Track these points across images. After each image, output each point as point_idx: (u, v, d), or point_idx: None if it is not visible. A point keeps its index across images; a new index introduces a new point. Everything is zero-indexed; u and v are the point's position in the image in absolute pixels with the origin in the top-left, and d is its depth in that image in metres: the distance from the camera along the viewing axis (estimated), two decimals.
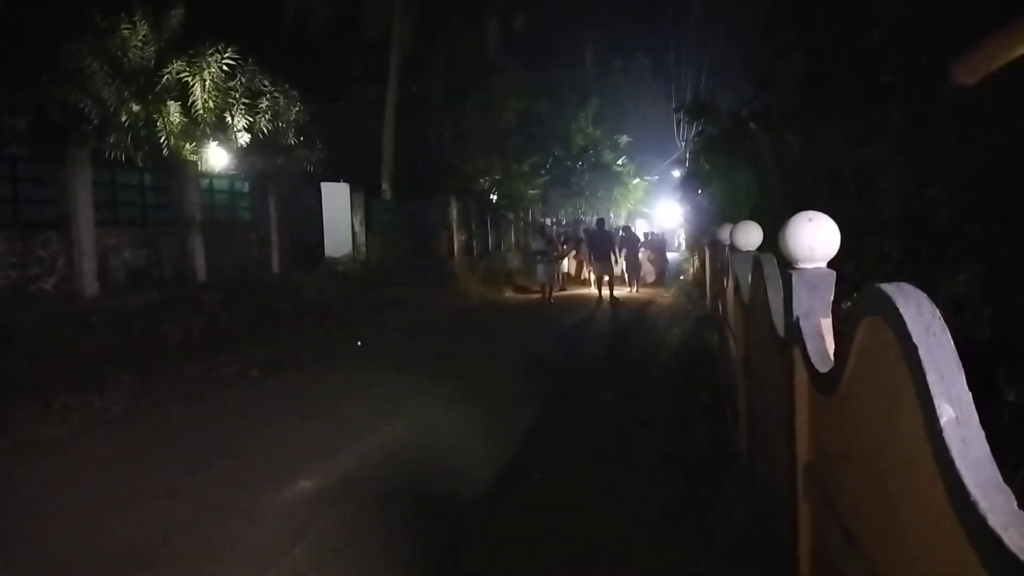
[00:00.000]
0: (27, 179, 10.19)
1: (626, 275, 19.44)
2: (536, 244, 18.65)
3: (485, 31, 23.09)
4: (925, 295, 1.34)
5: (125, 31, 12.23)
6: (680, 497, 4.57)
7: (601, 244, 17.63)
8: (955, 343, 1.26)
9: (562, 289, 19.67)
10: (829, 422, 2.10)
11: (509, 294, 19.46)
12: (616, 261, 18.35)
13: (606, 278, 17.24)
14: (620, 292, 17.99)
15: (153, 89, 12.57)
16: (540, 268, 17.47)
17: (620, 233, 21.64)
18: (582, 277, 21.16)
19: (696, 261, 17.65)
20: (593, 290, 18.44)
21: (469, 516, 4.63)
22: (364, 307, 13.98)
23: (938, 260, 5.59)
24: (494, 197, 23.84)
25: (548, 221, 28.27)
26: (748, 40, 10.88)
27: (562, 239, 21.90)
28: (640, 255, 20.56)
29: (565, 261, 20.85)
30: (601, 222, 19.61)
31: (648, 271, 21.00)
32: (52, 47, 11.82)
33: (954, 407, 1.17)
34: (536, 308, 16.20)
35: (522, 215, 26.36)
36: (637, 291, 19.07)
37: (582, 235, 22.51)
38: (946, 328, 1.27)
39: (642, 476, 5.13)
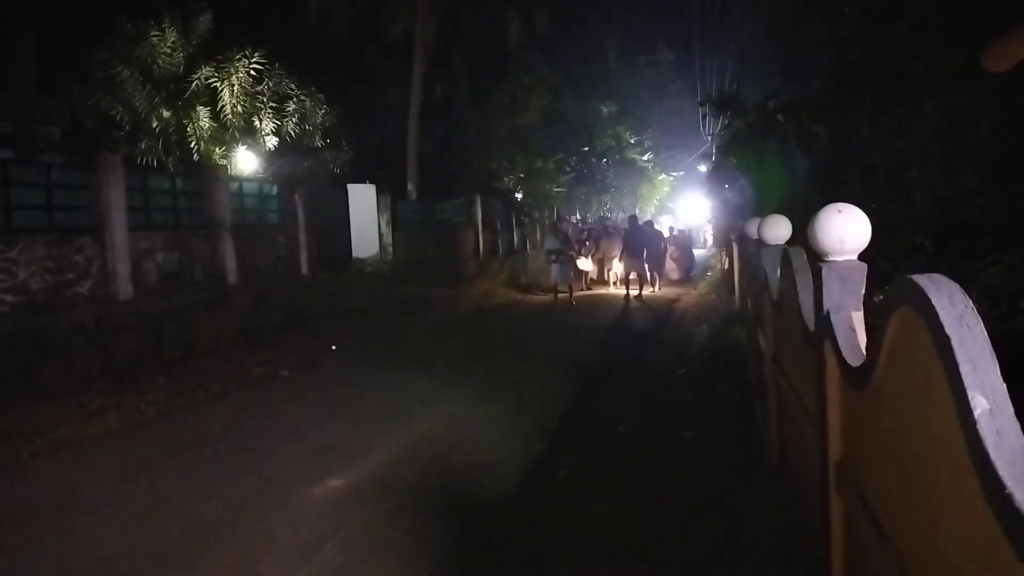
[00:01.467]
0: (61, 185, 10.42)
1: (648, 273, 18.41)
2: (550, 243, 17.43)
3: (508, 30, 23.09)
4: (958, 285, 1.32)
5: (154, 38, 12.45)
6: (710, 495, 4.54)
7: (636, 241, 17.25)
8: (989, 335, 1.24)
9: (587, 289, 18.97)
10: (861, 416, 2.08)
11: (534, 294, 18.91)
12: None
13: (633, 275, 17.04)
14: (644, 291, 17.57)
15: (183, 95, 12.79)
16: (554, 268, 16.32)
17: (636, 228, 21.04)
18: (605, 277, 20.25)
19: (724, 256, 17.47)
20: (615, 290, 18.21)
21: (499, 513, 4.64)
22: (391, 307, 14.06)
23: (972, 251, 5.49)
24: (519, 196, 23.81)
25: (573, 218, 28.14)
26: (774, 31, 10.74)
27: (584, 236, 21.05)
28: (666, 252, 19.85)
29: (587, 260, 19.76)
30: (634, 219, 19.23)
31: (672, 268, 20.27)
32: (84, 55, 12.09)
33: (988, 398, 1.15)
34: (564, 308, 15.62)
35: (547, 213, 26.30)
36: (659, 289, 18.34)
37: (610, 231, 21.99)
38: (979, 319, 1.25)
39: (671, 473, 5.10)
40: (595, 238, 21.01)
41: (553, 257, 16.41)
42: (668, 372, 8.48)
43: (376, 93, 21.03)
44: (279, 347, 10.27)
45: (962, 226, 5.90)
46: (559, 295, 15.94)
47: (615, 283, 19.07)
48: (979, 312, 1.28)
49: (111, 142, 11.84)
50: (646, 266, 17.59)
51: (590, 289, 19.25)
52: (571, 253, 17.10)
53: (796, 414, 3.34)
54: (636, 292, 16.98)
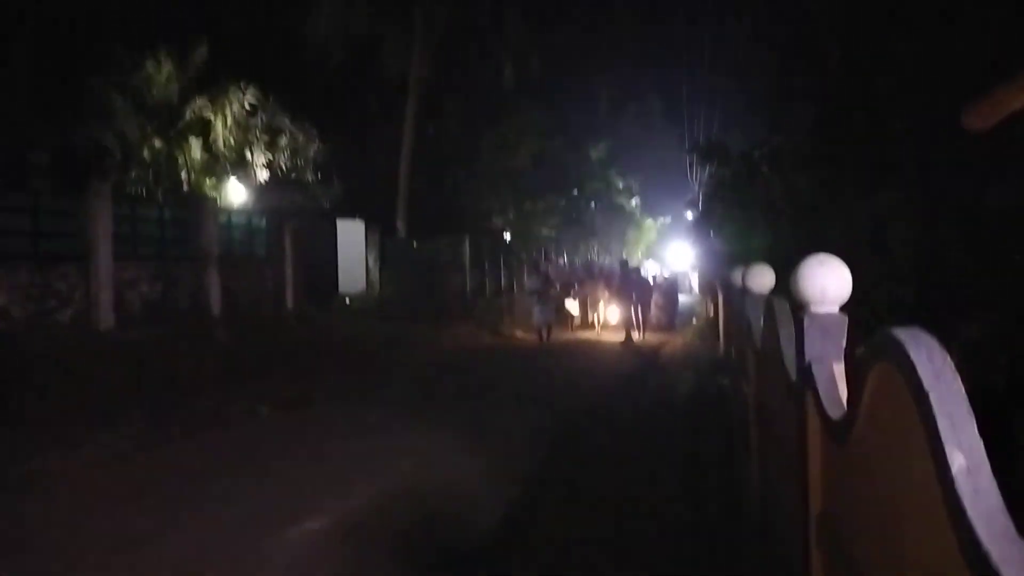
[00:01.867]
0: (48, 212, 10.38)
1: (634, 319, 17.85)
2: (531, 283, 17.03)
3: (501, 73, 23.49)
4: (936, 341, 1.33)
5: (150, 68, 12.55)
6: (692, 546, 4.49)
7: (627, 288, 16.99)
8: (970, 390, 1.24)
9: (571, 332, 18.48)
10: (842, 469, 2.07)
11: (520, 336, 18.42)
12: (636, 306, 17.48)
13: (614, 319, 16.97)
14: (621, 337, 17.08)
15: (176, 125, 12.86)
16: (536, 310, 15.89)
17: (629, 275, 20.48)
18: (589, 320, 19.52)
19: (709, 304, 17.53)
20: (598, 335, 18.06)
21: (473, 562, 4.56)
22: (376, 345, 13.97)
23: (952, 306, 5.55)
24: (508, 236, 23.94)
25: (560, 260, 28.25)
26: (760, 83, 10.99)
27: (571, 279, 20.81)
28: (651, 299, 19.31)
29: (574, 303, 19.29)
30: (625, 264, 19.12)
31: (656, 314, 19.69)
32: (77, 83, 12.15)
33: (966, 455, 1.15)
34: (549, 351, 15.35)
35: (534, 254, 26.43)
36: (643, 336, 17.46)
37: (595, 275, 21.64)
38: (957, 375, 1.26)
39: (650, 523, 5.04)
40: (580, 280, 20.74)
41: (536, 298, 16.19)
42: (651, 419, 8.44)
43: (369, 130, 21.22)
44: (260, 383, 10.15)
45: (943, 280, 5.98)
46: (543, 336, 15.67)
47: (599, 327, 18.89)
48: (959, 368, 1.29)
49: (101, 170, 11.83)
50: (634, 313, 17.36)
51: (573, 332, 18.79)
52: (552, 293, 16.80)
53: (778, 464, 3.32)
54: (622, 338, 16.78)
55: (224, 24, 15.86)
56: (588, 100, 30.50)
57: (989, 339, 4.91)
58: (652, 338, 17.52)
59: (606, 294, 18.98)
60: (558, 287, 18.87)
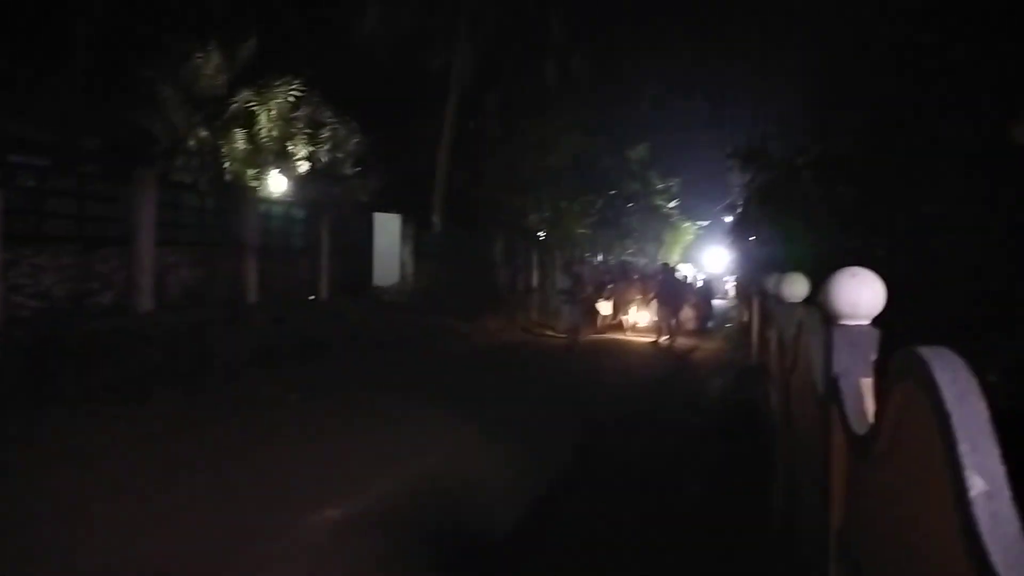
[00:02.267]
0: (94, 196, 10.66)
1: (669, 323, 17.36)
2: (562, 282, 16.93)
3: (543, 70, 23.42)
4: (963, 362, 1.30)
5: (199, 60, 12.77)
6: (714, 554, 4.45)
7: (669, 291, 16.83)
8: (1009, 411, 1.21)
9: (601, 333, 18.39)
10: (863, 486, 2.03)
11: (549, 334, 18.25)
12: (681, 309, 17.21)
13: (644, 322, 16.91)
14: (651, 339, 16.91)
15: (222, 116, 13.06)
16: (565, 310, 15.74)
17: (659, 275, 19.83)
18: (619, 321, 19.31)
19: (744, 309, 17.32)
20: (629, 336, 17.96)
21: (497, 556, 4.57)
22: (408, 338, 14.08)
23: (997, 323, 5.41)
24: (542, 235, 23.91)
25: (595, 259, 28.14)
26: (807, 88, 10.80)
27: (604, 279, 20.70)
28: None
29: (607, 304, 19.07)
30: (667, 267, 18.93)
31: (689, 317, 19.26)
32: (129, 71, 12.42)
33: (986, 480, 1.12)
34: (577, 351, 15.02)
35: (568, 253, 26.36)
36: (675, 340, 16.86)
37: (628, 276, 21.42)
38: (982, 397, 1.23)
39: (674, 529, 5.00)
40: (613, 281, 20.56)
41: (564, 298, 15.96)
42: (677, 423, 8.37)
43: (409, 124, 21.34)
44: (294, 370, 10.31)
45: (986, 296, 5.82)
46: (571, 337, 15.39)
47: (629, 328, 18.70)
48: (996, 387, 1.26)
49: (148, 158, 12.09)
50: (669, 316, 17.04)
51: (603, 333, 18.66)
52: (582, 295, 16.52)
53: (802, 476, 3.27)
54: (653, 339, 16.69)
55: (273, 18, 16.08)
56: (631, 100, 30.24)
57: None
58: (685, 342, 17.23)
59: (639, 296, 18.85)
60: (590, 288, 18.62)
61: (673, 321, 16.89)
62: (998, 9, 6.19)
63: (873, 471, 1.86)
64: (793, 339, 3.73)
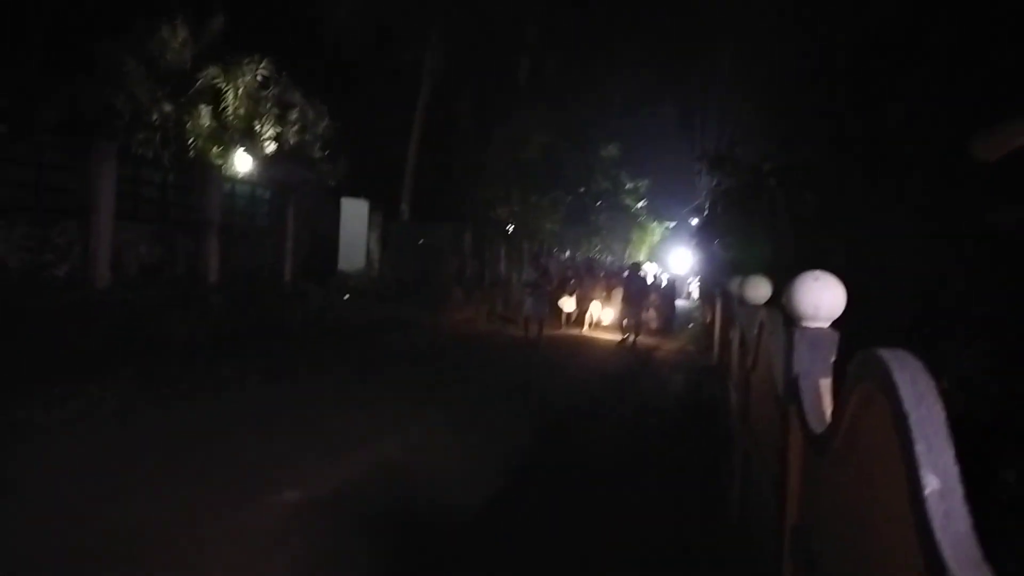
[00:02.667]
0: (52, 166, 10.37)
1: (632, 320, 17.12)
2: (527, 275, 16.57)
3: (516, 66, 23.43)
4: (922, 365, 1.34)
5: (165, 34, 12.50)
6: (669, 549, 4.52)
7: (636, 290, 16.90)
8: (959, 419, 1.25)
9: (563, 329, 18.04)
10: (820, 484, 2.08)
11: (514, 327, 17.87)
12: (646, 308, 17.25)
13: (607, 319, 16.82)
14: (614, 338, 16.82)
15: (186, 92, 12.81)
16: (528, 302, 15.44)
17: (624, 274, 19.78)
18: (583, 318, 19.05)
19: (707, 310, 17.56)
20: (590, 333, 18.00)
21: (454, 538, 4.58)
22: (371, 325, 14.00)
23: (949, 333, 5.56)
24: (511, 228, 23.94)
25: (563, 255, 28.24)
26: (773, 98, 10.97)
27: (569, 274, 20.44)
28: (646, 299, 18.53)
29: (571, 300, 18.85)
30: (636, 266, 18.75)
31: (651, 317, 19.17)
32: (91, 43, 12.10)
33: (940, 479, 1.16)
34: (535, 344, 14.70)
35: (535, 247, 26.43)
36: (636, 338, 16.77)
37: (593, 272, 21.19)
38: (940, 400, 1.27)
39: (630, 518, 5.07)
40: (578, 277, 20.32)
41: (528, 290, 15.73)
42: (638, 420, 8.47)
43: (380, 111, 21.16)
44: (252, 352, 10.16)
45: (941, 306, 5.99)
46: (531, 331, 15.20)
47: (592, 326, 18.69)
48: (948, 395, 1.30)
49: (108, 130, 11.79)
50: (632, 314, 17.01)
51: (566, 330, 18.48)
52: (547, 288, 16.26)
53: (759, 476, 3.34)
54: (618, 338, 16.70)
55: None
56: (600, 100, 30.39)
57: (982, 369, 4.92)
58: (647, 341, 17.22)
59: (603, 293, 18.87)
60: (555, 282, 18.33)
61: (636, 320, 16.89)
62: (954, 34, 6.36)
63: (830, 469, 1.91)
64: (755, 340, 3.80)
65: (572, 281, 19.47)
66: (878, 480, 1.44)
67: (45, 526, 4.27)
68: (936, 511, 1.13)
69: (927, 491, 1.15)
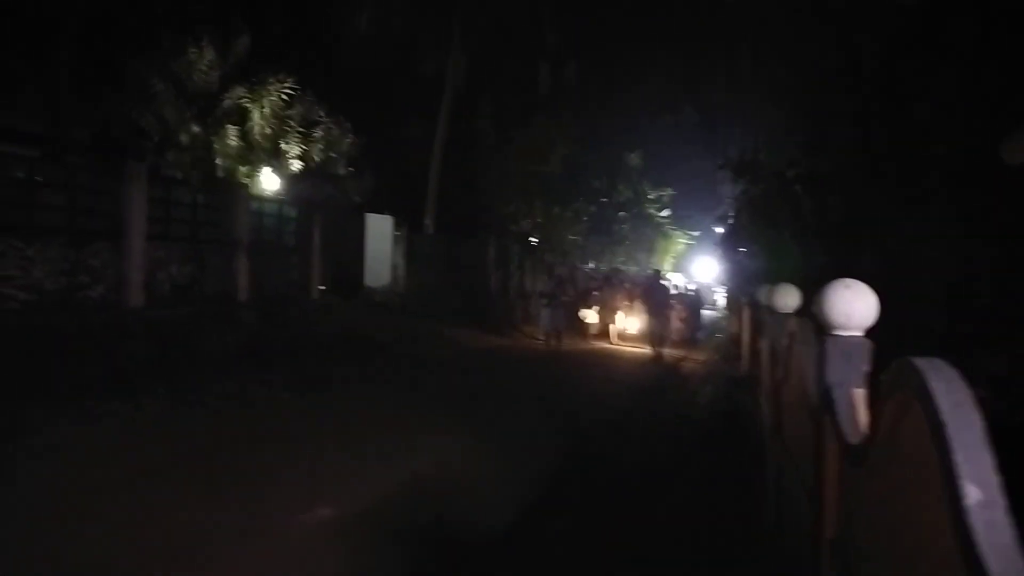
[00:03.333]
0: (85, 189, 10.59)
1: (650, 331, 16.66)
2: (544, 286, 16.80)
3: (536, 77, 23.53)
4: (957, 372, 1.33)
5: (192, 55, 12.74)
6: (705, 561, 4.47)
7: (660, 299, 16.24)
8: (996, 426, 1.24)
9: (586, 340, 17.88)
10: (857, 495, 2.06)
11: (538, 339, 17.67)
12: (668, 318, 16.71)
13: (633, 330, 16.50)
14: (640, 350, 16.33)
15: (214, 112, 13.04)
16: (546, 314, 15.23)
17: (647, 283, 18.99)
18: (606, 330, 18.74)
19: (734, 320, 17.37)
20: (616, 345, 17.69)
21: (488, 554, 4.58)
22: (398, 339, 14.06)
23: (982, 338, 5.47)
24: (534, 240, 23.95)
25: (587, 266, 28.14)
26: (798, 103, 10.90)
27: (591, 285, 20.33)
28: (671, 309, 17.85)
29: (592, 311, 18.61)
30: (658, 274, 18.27)
31: (677, 328, 18.58)
32: (121, 65, 12.38)
33: (980, 489, 1.15)
34: (556, 358, 14.66)
35: (559, 259, 26.40)
36: (663, 350, 16.06)
37: (614, 283, 20.75)
38: (977, 407, 1.26)
39: (665, 533, 5.03)
40: (600, 288, 20.01)
41: (544, 301, 15.43)
42: (666, 433, 8.40)
43: (402, 127, 21.36)
44: (282, 368, 10.27)
45: (974, 311, 5.90)
46: (551, 343, 14.99)
47: (617, 338, 18.38)
48: (985, 402, 1.28)
49: (139, 152, 12.04)
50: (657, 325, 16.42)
51: (590, 341, 18.12)
52: (564, 298, 16.01)
53: (794, 486, 3.30)
54: (642, 349, 16.36)
55: (266, 16, 16.07)
56: (622, 109, 30.36)
57: (1016, 373, 4.83)
58: (673, 352, 16.82)
59: (626, 303, 18.57)
60: (573, 293, 18.16)
61: (661, 331, 16.43)
62: (980, 34, 6.29)
63: (867, 480, 1.89)
64: (785, 350, 3.77)
65: (594, 292, 19.19)
66: (917, 491, 1.43)
67: (79, 543, 4.34)
68: (978, 523, 1.12)
69: (968, 502, 1.14)
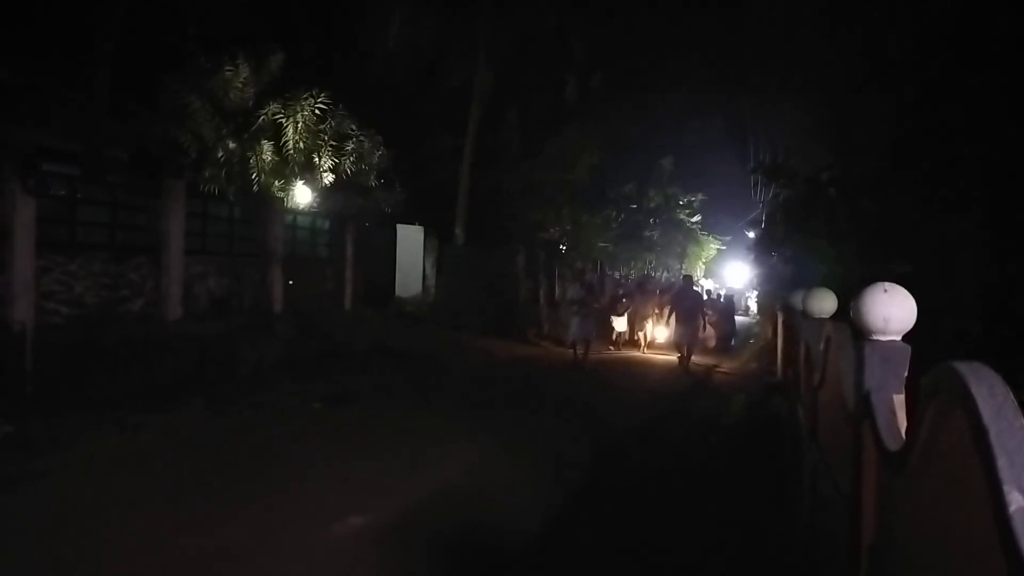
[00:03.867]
0: (124, 206, 10.85)
1: (678, 339, 15.95)
2: (572, 292, 15.55)
3: (563, 86, 23.57)
4: (999, 376, 1.32)
5: (228, 73, 13.01)
6: (738, 574, 4.43)
7: (690, 306, 15.41)
8: None
9: (616, 350, 17.48)
10: (896, 503, 2.04)
11: (565, 347, 16.56)
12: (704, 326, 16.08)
13: (662, 338, 16.03)
14: (671, 357, 15.73)
15: (249, 128, 13.29)
16: (575, 322, 14.46)
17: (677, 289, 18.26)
18: (635, 338, 18.28)
19: (768, 326, 17.15)
20: (647, 354, 17.25)
21: (519, 561, 4.59)
22: (428, 349, 14.14)
23: (1021, 340, 5.35)
24: (563, 248, 23.93)
25: (616, 273, 28.02)
26: (830, 106, 10.78)
27: (620, 292, 19.83)
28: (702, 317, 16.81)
29: (622, 319, 17.97)
30: (688, 279, 17.57)
31: (710, 335, 17.99)
32: (156, 84, 12.69)
33: None
34: (584, 368, 14.02)
35: (591, 267, 26.32)
36: (687, 364, 15.31)
37: (645, 289, 20.11)
38: (1020, 412, 1.25)
39: (696, 542, 4.99)
40: (629, 294, 19.39)
41: (575, 309, 14.65)
42: (699, 439, 8.33)
43: (431, 137, 21.54)
44: (316, 378, 10.40)
45: (1012, 312, 5.77)
46: (579, 352, 14.40)
47: (645, 345, 17.99)
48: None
49: (176, 168, 12.31)
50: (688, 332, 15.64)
51: (619, 350, 17.71)
52: (595, 306, 15.36)
53: (830, 495, 3.26)
54: (675, 357, 15.77)
55: (299, 33, 16.37)
56: (651, 116, 30.26)
57: None
58: (706, 360, 16.25)
59: (656, 310, 18.11)
60: (603, 300, 17.62)
61: (692, 338, 15.65)
62: (1016, 31, 6.17)
63: (907, 486, 1.87)
64: (821, 355, 3.73)
65: (624, 300, 18.70)
66: (959, 498, 1.41)
67: (119, 552, 4.44)
68: (1023, 529, 1.11)
69: (1012, 508, 1.13)
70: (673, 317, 16.03)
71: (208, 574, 4.22)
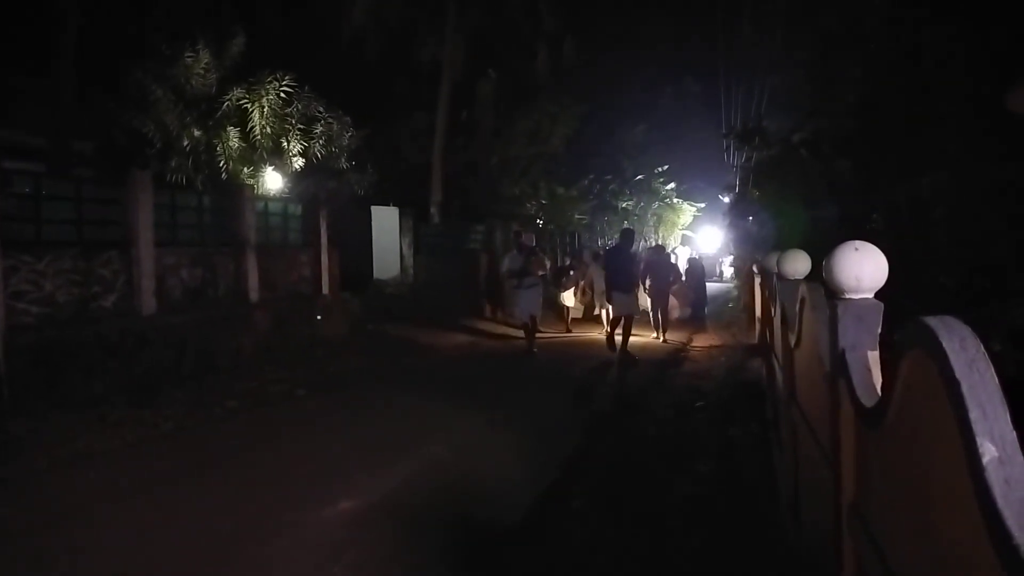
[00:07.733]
0: (91, 200, 10.61)
1: (650, 314, 14.28)
2: (510, 261, 12.34)
3: (535, 58, 23.36)
4: (970, 329, 1.31)
5: (188, 59, 12.72)
6: (722, 535, 4.48)
7: (622, 270, 11.77)
8: (1015, 381, 1.22)
9: (568, 332, 15.45)
10: (874, 458, 2.05)
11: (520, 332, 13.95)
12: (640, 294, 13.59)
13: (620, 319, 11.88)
14: (642, 339, 13.46)
15: (214, 115, 13.02)
16: (522, 297, 11.90)
17: (645, 255, 16.24)
18: (595, 314, 15.91)
19: (745, 289, 17.26)
20: (599, 332, 14.32)
21: (505, 536, 4.61)
22: (410, 330, 14.11)
23: (998, 290, 5.41)
24: (540, 222, 23.87)
25: (582, 241, 28.01)
26: (800, 65, 10.77)
27: (568, 264, 17.92)
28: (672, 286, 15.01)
29: (570, 294, 15.89)
30: (627, 233, 12.81)
31: (674, 305, 15.67)
32: (119, 74, 12.37)
33: (997, 446, 1.13)
34: (547, 350, 12.47)
35: (568, 240, 26.30)
36: (664, 339, 13.97)
37: (597, 258, 16.69)
38: (991, 364, 1.24)
39: (682, 507, 5.03)
40: (575, 266, 17.26)
41: (515, 283, 11.88)
42: (684, 405, 8.41)
43: (402, 116, 21.29)
44: (298, 365, 10.33)
45: (987, 265, 5.83)
46: (527, 334, 12.06)
47: (607, 326, 13.34)
48: (1003, 355, 1.27)
49: (142, 159, 12.05)
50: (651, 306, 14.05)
51: (570, 331, 15.55)
52: (540, 273, 12.64)
53: (811, 454, 3.29)
54: (652, 335, 14.09)
55: (260, 14, 16.02)
56: (624, 85, 30.11)
57: None
58: (672, 336, 14.38)
59: (598, 280, 14.82)
60: (547, 267, 14.27)
61: (663, 313, 14.23)
62: None
63: (884, 442, 1.87)
64: (796, 315, 3.74)
65: (571, 271, 16.40)
66: (934, 450, 1.41)
67: (113, 547, 4.40)
68: (996, 479, 1.10)
69: (985, 459, 1.13)
70: (647, 291, 14.25)
71: (198, 563, 4.19)
